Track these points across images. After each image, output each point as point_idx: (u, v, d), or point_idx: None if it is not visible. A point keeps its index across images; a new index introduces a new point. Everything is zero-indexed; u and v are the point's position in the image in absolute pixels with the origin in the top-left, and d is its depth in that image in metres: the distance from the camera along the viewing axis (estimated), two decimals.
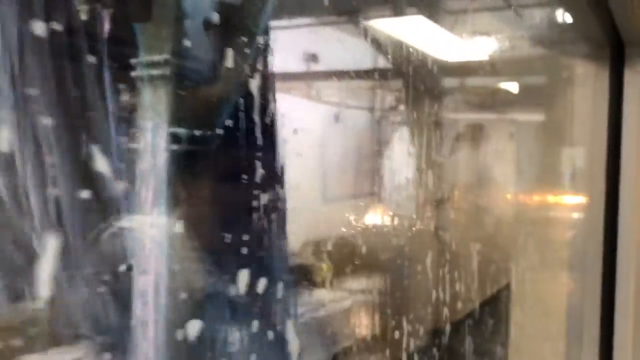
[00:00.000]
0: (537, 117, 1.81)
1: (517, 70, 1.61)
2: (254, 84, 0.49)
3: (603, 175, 1.33)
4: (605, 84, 1.34)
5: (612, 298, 1.34)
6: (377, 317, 1.20)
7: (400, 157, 1.64)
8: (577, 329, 1.34)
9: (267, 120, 0.49)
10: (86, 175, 0.33)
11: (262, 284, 0.46)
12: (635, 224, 1.35)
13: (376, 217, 1.36)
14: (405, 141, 1.71)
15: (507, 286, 1.62)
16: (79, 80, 0.34)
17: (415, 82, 1.44)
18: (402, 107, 1.64)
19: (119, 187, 0.37)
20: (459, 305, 1.40)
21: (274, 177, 0.49)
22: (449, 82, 1.82)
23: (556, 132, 1.62)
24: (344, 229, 1.16)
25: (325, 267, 1.08)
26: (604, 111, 1.33)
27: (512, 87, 1.88)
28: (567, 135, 1.53)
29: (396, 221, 1.39)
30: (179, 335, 0.39)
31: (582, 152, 1.43)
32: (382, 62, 1.38)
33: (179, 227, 0.38)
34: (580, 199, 1.46)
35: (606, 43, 1.31)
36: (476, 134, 2.02)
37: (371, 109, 1.73)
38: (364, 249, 1.15)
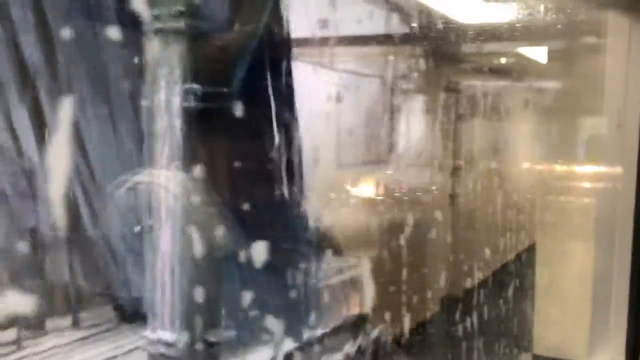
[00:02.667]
0: (562, 81, 1.74)
1: (543, 30, 1.53)
2: (269, 42, 0.43)
3: (636, 142, 1.27)
4: None
5: None
6: (388, 284, 1.17)
7: (416, 124, 1.58)
8: (605, 292, 1.30)
9: (283, 80, 0.44)
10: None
11: (279, 243, 0.41)
12: None
13: (391, 184, 1.32)
14: (420, 108, 1.65)
15: (532, 251, 1.58)
16: (95, 39, 0.30)
17: (432, 48, 1.37)
18: (416, 74, 1.58)
19: (134, 143, 0.32)
20: (479, 268, 1.36)
21: (291, 137, 0.43)
22: (468, 47, 1.74)
23: (583, 97, 1.55)
24: (358, 196, 1.12)
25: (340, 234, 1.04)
26: (638, 68, 1.25)
27: (538, 51, 1.80)
28: (597, 100, 1.46)
29: (412, 187, 1.36)
30: (197, 293, 0.35)
31: (613, 117, 1.37)
32: (397, 27, 1.31)
33: (196, 182, 0.33)
34: (611, 167, 1.41)
35: None
36: (497, 101, 1.95)
37: (385, 76, 1.66)
38: (378, 216, 1.12)
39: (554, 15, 1.47)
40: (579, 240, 1.53)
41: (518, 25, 1.49)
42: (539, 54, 1.89)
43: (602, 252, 1.37)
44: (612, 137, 1.35)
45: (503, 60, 1.92)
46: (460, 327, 1.49)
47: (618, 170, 1.32)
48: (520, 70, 1.94)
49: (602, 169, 1.51)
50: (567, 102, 1.70)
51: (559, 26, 1.51)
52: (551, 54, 1.73)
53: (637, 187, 1.25)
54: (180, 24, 0.34)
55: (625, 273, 1.28)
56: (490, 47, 1.82)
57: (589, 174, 1.59)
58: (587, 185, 1.63)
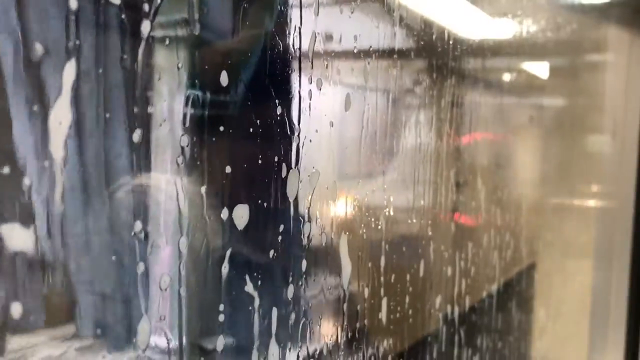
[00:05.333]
0: (564, 98, 1.75)
1: (546, 46, 1.54)
2: (273, 52, 0.45)
3: (635, 159, 1.28)
4: None
5: None
6: (385, 300, 1.17)
7: (418, 139, 1.59)
8: (603, 311, 1.30)
9: (286, 90, 0.45)
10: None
11: (278, 246, 0.42)
12: None
13: (392, 197, 1.31)
14: (424, 122, 1.66)
15: (532, 269, 1.58)
16: (95, 42, 0.31)
17: (436, 62, 1.38)
18: (419, 89, 1.59)
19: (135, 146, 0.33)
20: (478, 287, 1.36)
21: (292, 146, 0.45)
22: (472, 62, 1.76)
23: (583, 115, 1.56)
24: (358, 207, 1.12)
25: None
26: (638, 85, 1.26)
27: (540, 66, 1.81)
28: (596, 117, 1.47)
29: (412, 202, 1.35)
30: (194, 298, 0.35)
31: (612, 135, 1.38)
32: (402, 42, 1.32)
33: (196, 188, 0.34)
34: (609, 186, 1.41)
35: None
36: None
37: (389, 90, 1.67)
38: (379, 229, 1.12)
39: (557, 32, 1.48)
40: (578, 257, 1.53)
41: (522, 41, 1.50)
42: (542, 70, 1.91)
43: (600, 270, 1.37)
44: (611, 154, 1.36)
45: (507, 76, 1.94)
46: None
47: (616, 187, 1.33)
48: (524, 86, 1.95)
49: (601, 186, 1.52)
50: (568, 119, 1.71)
51: (562, 42, 1.53)
52: (553, 71, 1.74)
53: (636, 204, 1.26)
54: (185, 31, 0.35)
55: (623, 290, 1.28)
56: (494, 62, 1.84)
57: (588, 192, 1.60)
58: (586, 202, 1.63)
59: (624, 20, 1.37)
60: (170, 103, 0.35)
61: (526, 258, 1.50)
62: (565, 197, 1.59)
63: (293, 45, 0.48)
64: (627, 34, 1.36)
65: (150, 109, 0.33)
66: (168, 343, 0.34)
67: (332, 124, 0.50)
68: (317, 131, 0.46)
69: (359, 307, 0.52)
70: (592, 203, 1.59)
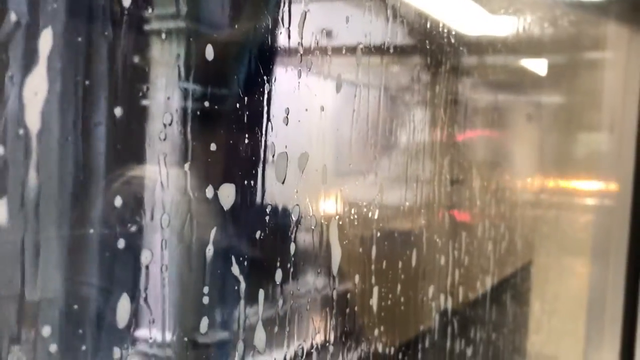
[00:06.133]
0: (562, 95, 1.74)
1: (544, 43, 1.53)
2: (269, 46, 0.44)
3: (632, 157, 1.27)
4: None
5: (637, 282, 1.29)
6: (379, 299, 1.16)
7: (415, 136, 1.58)
8: (599, 308, 1.30)
9: (280, 84, 0.45)
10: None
11: (266, 228, 0.42)
12: None
13: (388, 194, 1.31)
14: (421, 120, 1.65)
15: (528, 267, 1.58)
16: (91, 36, 0.30)
17: (433, 59, 1.38)
18: (417, 86, 1.58)
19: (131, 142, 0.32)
20: (474, 285, 1.35)
21: (281, 140, 0.44)
22: (470, 59, 1.75)
23: (581, 112, 1.55)
24: (354, 204, 1.12)
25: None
26: (635, 83, 1.26)
27: (538, 63, 1.80)
28: (594, 113, 1.46)
29: (409, 199, 1.35)
30: (190, 292, 0.35)
31: (610, 131, 1.37)
32: (400, 38, 1.32)
33: (192, 181, 0.34)
34: (607, 183, 1.41)
35: None
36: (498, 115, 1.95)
37: (386, 87, 1.66)
38: (374, 228, 1.11)
39: (555, 29, 1.48)
40: (576, 255, 1.53)
41: (520, 37, 1.50)
42: (540, 67, 1.90)
43: (597, 267, 1.37)
44: (609, 151, 1.35)
45: (505, 74, 1.93)
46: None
47: (614, 184, 1.32)
48: (523, 83, 1.95)
49: (599, 183, 1.52)
50: (566, 116, 1.71)
51: (560, 39, 1.52)
52: (552, 68, 1.74)
53: (633, 201, 1.26)
54: (180, 24, 0.34)
55: (619, 286, 1.28)
56: (493, 59, 1.83)
57: (586, 190, 1.60)
58: (584, 200, 1.63)
59: (622, 17, 1.36)
60: (155, 77, 0.34)
61: (523, 254, 1.50)
62: (563, 194, 1.58)
63: (290, 42, 0.47)
64: (625, 30, 1.35)
65: (133, 84, 0.32)
66: (149, 322, 0.34)
67: (322, 108, 0.49)
68: (307, 111, 0.46)
69: (348, 294, 0.51)
70: (589, 199, 1.59)
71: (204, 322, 0.37)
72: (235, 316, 0.39)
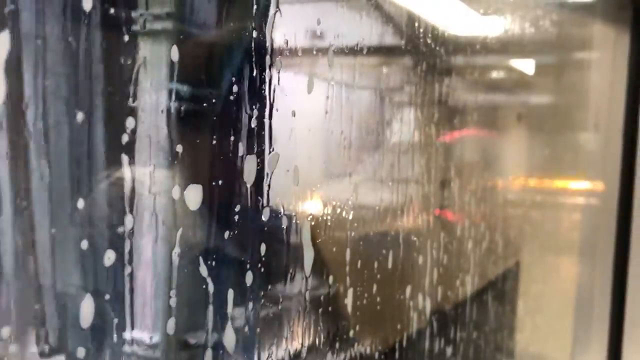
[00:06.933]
0: (550, 95, 1.75)
1: (534, 44, 1.54)
2: (258, 47, 0.45)
3: (619, 156, 1.28)
4: (626, 49, 1.27)
5: (624, 282, 1.30)
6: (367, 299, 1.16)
7: (405, 137, 1.58)
8: (587, 308, 1.30)
9: (269, 85, 0.45)
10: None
11: (258, 246, 0.42)
12: None
13: (378, 195, 1.31)
14: (410, 121, 1.65)
15: (516, 267, 1.58)
16: (77, 36, 0.30)
17: (423, 60, 1.38)
18: (407, 87, 1.59)
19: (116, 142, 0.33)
20: (463, 285, 1.35)
21: (268, 141, 0.44)
22: (459, 59, 1.76)
23: (568, 111, 1.56)
24: (342, 206, 1.12)
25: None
26: (622, 82, 1.27)
27: (526, 63, 1.81)
28: (580, 113, 1.47)
29: (398, 200, 1.35)
30: (177, 293, 0.35)
31: (596, 131, 1.38)
32: (390, 39, 1.32)
33: (178, 182, 0.34)
34: (594, 183, 1.41)
35: (628, 3, 1.24)
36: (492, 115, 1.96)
37: (377, 88, 1.67)
38: (361, 229, 1.11)
39: (542, 29, 1.48)
40: (563, 254, 1.53)
41: (508, 38, 1.50)
42: (528, 67, 1.90)
43: (584, 266, 1.37)
44: (595, 150, 1.36)
45: (495, 74, 1.93)
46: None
47: (600, 183, 1.33)
48: (513, 83, 1.95)
49: (585, 183, 1.52)
50: (553, 116, 1.71)
51: (547, 39, 1.53)
52: (539, 68, 1.74)
53: (619, 200, 1.27)
54: (168, 25, 0.35)
55: (607, 285, 1.28)
56: (483, 60, 1.84)
57: (573, 189, 1.60)
58: (571, 199, 1.63)
59: (608, 16, 1.37)
60: (119, 77, 0.34)
61: (510, 254, 1.50)
62: (549, 193, 1.59)
63: (279, 42, 0.47)
64: (611, 30, 1.36)
65: (98, 83, 0.32)
66: (113, 324, 0.34)
67: (294, 114, 0.49)
68: (278, 111, 0.46)
69: (322, 297, 0.51)
70: (576, 198, 1.59)
71: (171, 323, 0.37)
72: (203, 317, 0.39)
